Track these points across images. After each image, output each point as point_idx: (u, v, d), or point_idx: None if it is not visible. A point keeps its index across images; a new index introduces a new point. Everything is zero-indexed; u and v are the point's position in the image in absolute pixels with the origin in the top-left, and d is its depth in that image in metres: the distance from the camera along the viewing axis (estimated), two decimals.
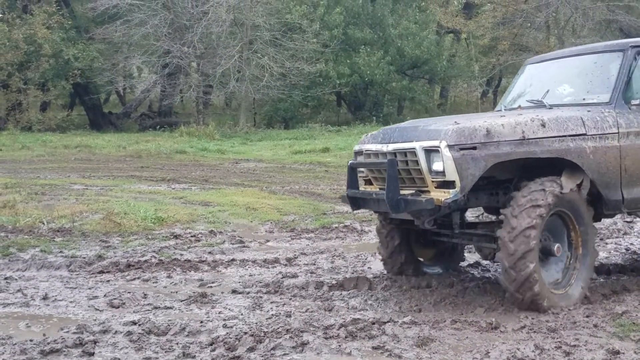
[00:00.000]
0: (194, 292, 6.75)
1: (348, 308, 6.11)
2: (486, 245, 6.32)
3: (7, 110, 33.06)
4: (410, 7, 37.96)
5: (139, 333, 5.45)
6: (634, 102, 6.29)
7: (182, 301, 6.49)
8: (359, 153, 6.55)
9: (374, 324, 5.45)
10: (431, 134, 5.69)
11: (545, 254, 5.83)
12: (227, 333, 5.38)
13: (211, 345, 5.14)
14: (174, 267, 7.82)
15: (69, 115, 35.54)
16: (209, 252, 8.62)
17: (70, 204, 11.63)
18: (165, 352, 5.05)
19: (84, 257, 8.16)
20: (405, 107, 38.57)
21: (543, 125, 5.76)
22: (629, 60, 6.37)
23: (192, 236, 9.53)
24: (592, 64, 6.67)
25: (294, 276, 7.38)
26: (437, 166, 5.56)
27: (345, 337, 5.21)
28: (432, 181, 5.65)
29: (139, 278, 7.42)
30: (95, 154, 22.86)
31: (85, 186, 14.39)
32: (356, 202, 6.40)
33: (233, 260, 8.20)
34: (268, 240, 9.52)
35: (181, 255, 8.42)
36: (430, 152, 5.61)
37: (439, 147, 5.50)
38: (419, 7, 38.90)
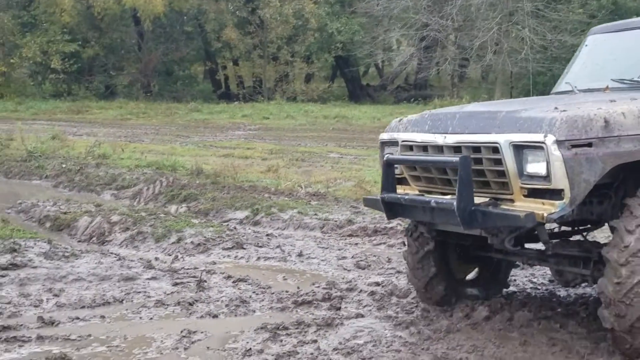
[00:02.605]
0: None
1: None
2: (571, 270, 4.86)
3: (275, 82, 35.55)
4: None
5: (381, 293, 5.83)
6: None
7: None
8: (389, 144, 5.12)
9: None
10: (525, 124, 4.24)
11: None
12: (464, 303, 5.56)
13: (446, 311, 5.35)
14: None
15: (330, 87, 37.34)
16: None
17: (325, 171, 12.41)
18: (406, 313, 5.36)
19: (336, 221, 8.73)
20: None
21: None
22: None
23: None
24: None
25: None
26: (535, 168, 4.16)
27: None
28: (522, 187, 4.25)
29: (384, 243, 7.81)
30: (352, 124, 23.89)
31: (340, 155, 15.20)
32: (395, 209, 4.93)
33: None
34: None
35: None
36: (522, 148, 4.20)
37: (543, 143, 4.06)
38: None
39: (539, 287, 6.01)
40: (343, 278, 6.40)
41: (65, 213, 9.26)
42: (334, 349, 4.62)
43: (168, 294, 5.93)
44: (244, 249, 7.52)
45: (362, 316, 5.31)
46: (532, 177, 4.18)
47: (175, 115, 27.72)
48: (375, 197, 5.11)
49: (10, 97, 32.73)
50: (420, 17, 31.40)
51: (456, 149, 4.50)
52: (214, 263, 7.03)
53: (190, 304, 5.62)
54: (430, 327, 4.96)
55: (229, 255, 7.35)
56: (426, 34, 31.41)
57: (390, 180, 4.91)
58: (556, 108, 4.26)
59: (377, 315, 5.33)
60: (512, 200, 4.31)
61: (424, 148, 4.77)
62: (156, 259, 7.23)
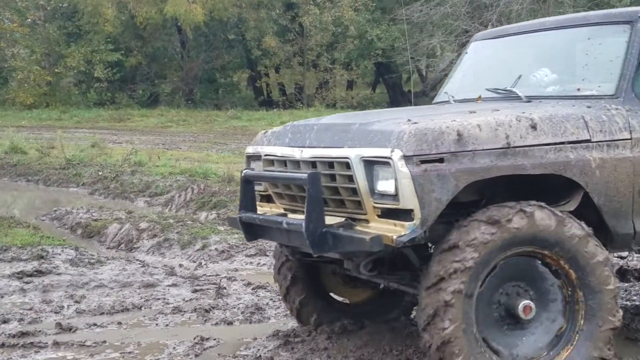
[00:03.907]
0: None
1: None
2: None
3: (315, 89, 35.70)
4: None
5: None
6: None
7: None
8: (253, 158, 4.76)
9: None
10: (375, 138, 3.90)
11: (512, 316, 3.91)
12: None
13: None
14: None
15: (372, 94, 37.34)
16: None
17: None
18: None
19: None
20: None
21: (534, 127, 3.97)
22: None
23: None
24: (586, 41, 4.74)
25: None
26: (385, 186, 3.80)
27: None
28: (375, 207, 3.89)
29: None
30: None
31: None
32: (253, 230, 4.57)
33: None
34: None
35: None
36: (372, 164, 3.85)
37: (389, 158, 3.72)
38: None
39: None
40: None
41: (96, 220, 9.44)
42: (344, 357, 4.62)
43: (187, 301, 6.00)
44: (267, 255, 7.56)
45: (377, 324, 5.30)
46: (383, 195, 3.83)
47: (214, 123, 27.99)
48: (233, 216, 4.79)
49: (55, 105, 33.44)
50: (459, 24, 31.23)
51: (313, 164, 4.17)
52: (236, 270, 7.09)
53: (207, 311, 5.68)
54: None
55: (251, 262, 7.40)
56: (466, 40, 31.19)
57: (248, 198, 4.58)
58: (409, 120, 3.93)
59: (391, 324, 5.31)
60: (367, 221, 3.97)
61: (285, 163, 4.43)
62: (180, 265, 7.32)
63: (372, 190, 3.87)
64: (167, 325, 5.44)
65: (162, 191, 11.85)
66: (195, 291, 6.28)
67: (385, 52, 34.85)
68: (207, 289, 6.33)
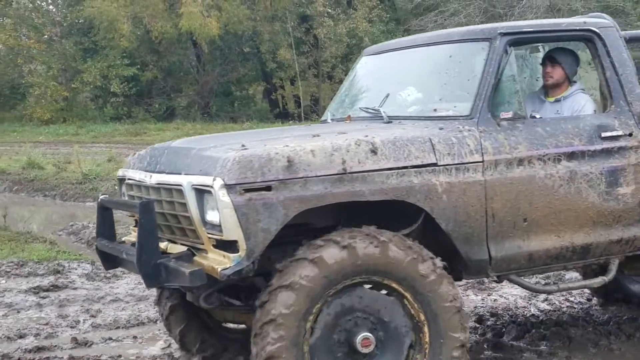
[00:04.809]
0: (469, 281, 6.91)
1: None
2: None
3: (331, 100, 35.76)
4: None
5: None
6: (504, 114, 4.19)
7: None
8: (122, 181, 4.53)
9: None
10: (206, 164, 3.72)
11: (350, 347, 3.67)
12: (495, 320, 5.50)
13: (476, 329, 5.30)
14: None
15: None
16: None
17: None
18: None
19: None
20: None
21: (374, 152, 3.79)
22: (498, 53, 4.23)
23: None
24: (447, 59, 4.51)
25: None
26: (212, 216, 3.64)
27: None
28: (209, 237, 3.71)
29: None
30: None
31: None
32: (111, 258, 4.31)
33: None
34: None
35: None
36: (202, 193, 3.66)
37: (211, 187, 3.56)
38: None
39: (575, 306, 5.90)
40: None
41: None
42: None
43: None
44: None
45: None
46: (212, 226, 3.64)
47: None
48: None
49: (72, 121, 33.66)
50: None
51: (158, 190, 3.99)
52: None
53: None
54: None
55: None
56: None
57: (106, 224, 4.40)
58: (242, 146, 3.76)
59: None
60: (206, 251, 3.78)
61: (140, 188, 4.22)
62: None
63: (204, 220, 3.69)
64: None
65: None
66: None
67: None
68: None
